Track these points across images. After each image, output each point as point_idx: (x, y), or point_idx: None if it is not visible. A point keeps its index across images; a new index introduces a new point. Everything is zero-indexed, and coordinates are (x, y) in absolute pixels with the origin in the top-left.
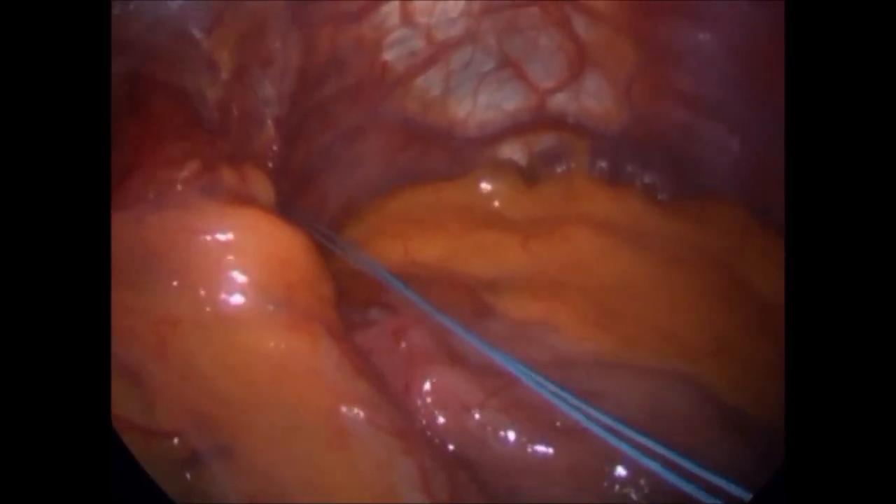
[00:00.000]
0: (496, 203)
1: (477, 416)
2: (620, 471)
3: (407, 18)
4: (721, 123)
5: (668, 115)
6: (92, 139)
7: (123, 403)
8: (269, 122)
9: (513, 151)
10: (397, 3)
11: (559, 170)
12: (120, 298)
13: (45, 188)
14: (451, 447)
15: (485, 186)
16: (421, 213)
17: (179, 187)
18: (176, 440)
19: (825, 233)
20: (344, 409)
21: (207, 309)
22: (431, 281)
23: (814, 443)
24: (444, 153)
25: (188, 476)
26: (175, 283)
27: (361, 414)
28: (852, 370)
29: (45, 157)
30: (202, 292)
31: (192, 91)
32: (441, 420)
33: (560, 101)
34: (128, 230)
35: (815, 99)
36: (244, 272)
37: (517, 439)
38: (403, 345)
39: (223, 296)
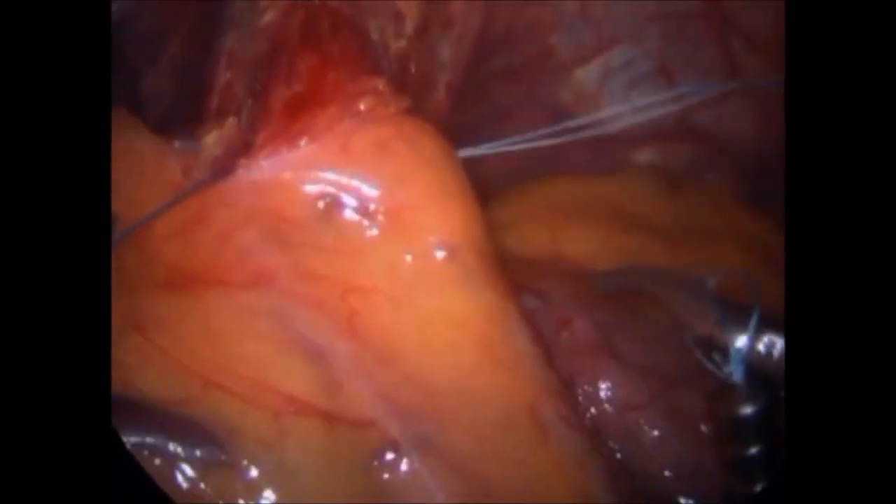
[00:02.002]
0: (641, 205)
1: (639, 416)
2: None
3: (584, 9)
4: None
5: None
6: (92, 133)
7: (301, 383)
8: (442, 86)
9: (654, 157)
10: None
11: (702, 183)
12: (305, 263)
13: (44, 184)
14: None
15: (632, 187)
16: (570, 203)
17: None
18: (370, 429)
19: (826, 229)
20: (545, 403)
21: (407, 272)
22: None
23: (814, 443)
24: (587, 148)
25: (378, 468)
26: (369, 238)
27: (559, 410)
28: (852, 370)
29: (45, 153)
30: (398, 253)
31: (377, 38)
32: (603, 416)
33: (704, 117)
34: (313, 173)
35: (816, 95)
36: (440, 232)
37: (674, 444)
38: (565, 335)
39: (424, 256)
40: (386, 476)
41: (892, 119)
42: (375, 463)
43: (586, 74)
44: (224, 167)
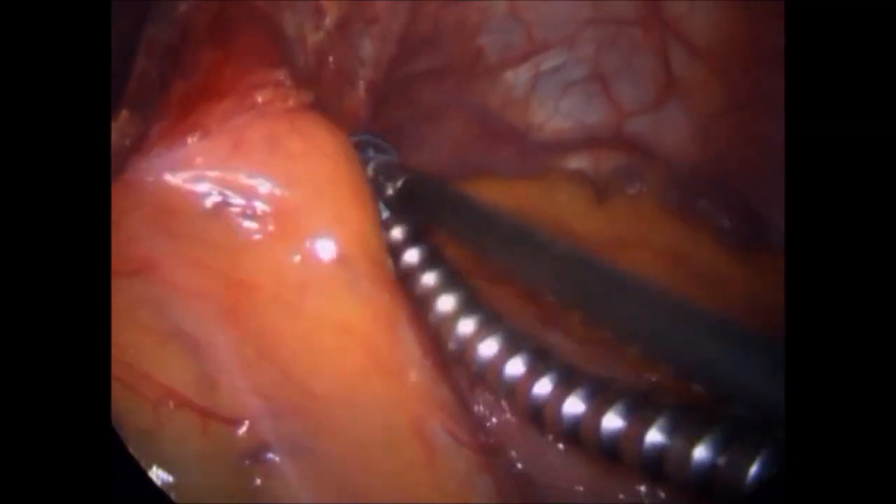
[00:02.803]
0: (566, 211)
1: None
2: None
3: (513, 11)
4: None
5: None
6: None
7: (178, 376)
8: (362, 83)
9: (584, 164)
10: None
11: (630, 191)
12: (186, 252)
13: (43, 179)
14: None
15: (558, 194)
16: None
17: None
18: (243, 428)
19: (826, 229)
20: (432, 417)
21: (294, 273)
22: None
23: (814, 443)
24: (515, 153)
25: (250, 469)
26: (257, 238)
27: (446, 425)
28: (853, 370)
29: (44, 149)
30: (286, 253)
31: (292, 32)
32: (504, 426)
33: (638, 125)
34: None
35: (816, 95)
36: (331, 234)
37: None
38: None
39: (313, 258)
40: (257, 479)
41: (892, 119)
42: (247, 463)
43: (515, 78)
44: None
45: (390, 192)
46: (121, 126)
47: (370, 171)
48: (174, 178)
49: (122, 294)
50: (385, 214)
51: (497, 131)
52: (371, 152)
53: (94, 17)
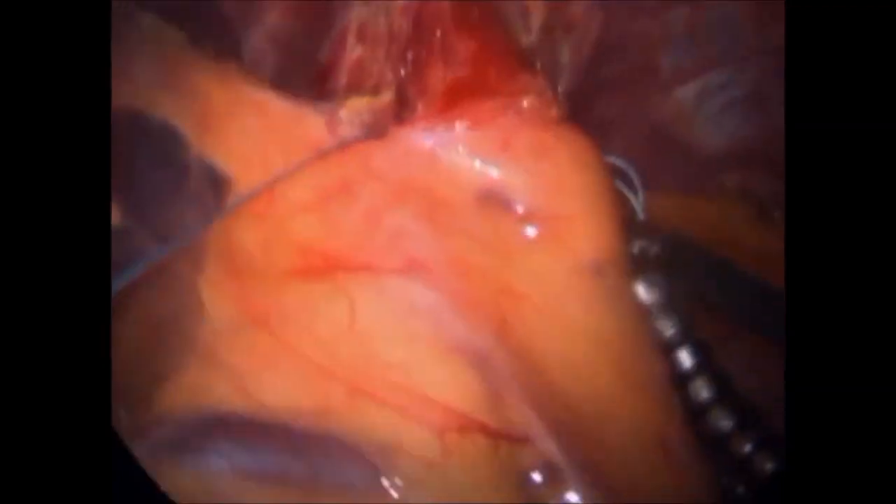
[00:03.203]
0: (741, 230)
1: None
2: None
3: (689, 27)
4: None
5: None
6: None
7: (464, 394)
8: (561, 90)
9: (745, 180)
10: (687, 9)
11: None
12: (460, 254)
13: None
14: None
15: (732, 213)
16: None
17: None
18: (529, 445)
19: (826, 229)
20: (674, 431)
21: (557, 281)
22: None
23: (814, 443)
24: (681, 168)
25: (535, 487)
26: (524, 241)
27: (684, 436)
28: (853, 370)
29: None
30: (551, 262)
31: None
32: None
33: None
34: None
35: (816, 94)
36: (593, 245)
37: None
38: None
39: (575, 267)
40: (541, 495)
41: (892, 119)
42: (533, 482)
43: (684, 93)
44: (377, 129)
45: (635, 249)
46: (362, 101)
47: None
48: (443, 160)
49: (391, 298)
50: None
51: (666, 146)
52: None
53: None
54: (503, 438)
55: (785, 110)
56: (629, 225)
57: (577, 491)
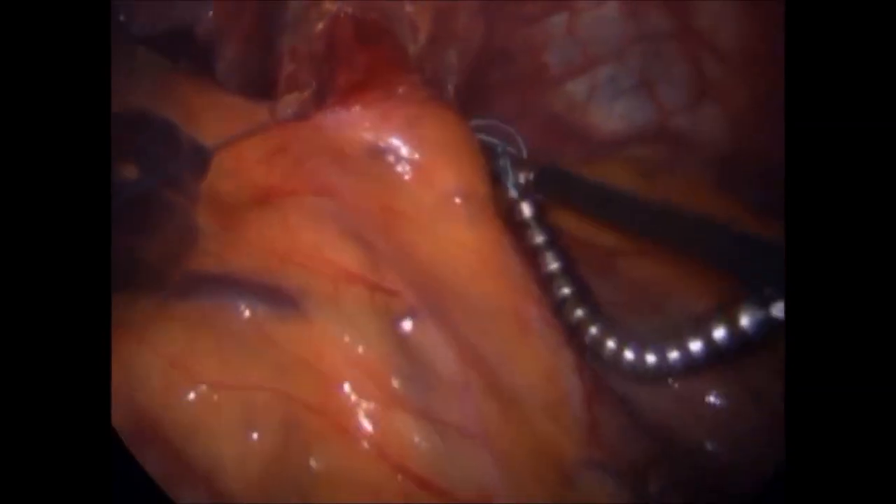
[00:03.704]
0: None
1: None
2: None
3: (571, 30)
4: None
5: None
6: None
7: (352, 260)
8: (451, 87)
9: (634, 154)
10: (566, 16)
11: (673, 172)
12: (357, 184)
13: (43, 178)
14: None
15: (616, 175)
16: None
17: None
18: (399, 297)
19: (826, 229)
20: (528, 306)
21: (429, 206)
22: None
23: (814, 443)
24: (580, 150)
25: (405, 327)
26: (404, 179)
27: (538, 312)
28: (853, 370)
29: (44, 146)
30: (424, 192)
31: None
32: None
33: (679, 121)
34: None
35: (816, 93)
36: (455, 181)
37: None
38: None
39: (442, 197)
40: (408, 331)
41: (892, 118)
42: (401, 322)
43: (575, 87)
44: (302, 113)
45: (521, 179)
46: (293, 97)
47: (502, 160)
48: (345, 130)
49: (309, 208)
50: (514, 194)
51: (564, 132)
52: (500, 144)
53: (95, 16)
54: (378, 289)
55: (785, 110)
56: (517, 162)
57: (431, 328)
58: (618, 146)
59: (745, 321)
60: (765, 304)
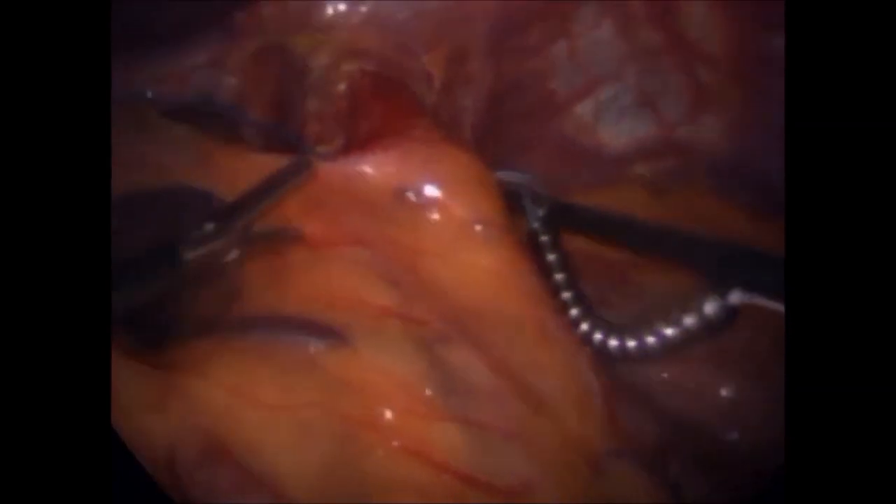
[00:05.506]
0: (634, 207)
1: None
2: None
3: (572, 55)
4: None
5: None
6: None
7: (385, 297)
8: (467, 127)
9: (644, 170)
10: (565, 42)
11: (679, 185)
12: (382, 230)
13: (44, 179)
14: None
15: (626, 196)
16: None
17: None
18: (429, 326)
19: (826, 229)
20: (546, 318)
21: (449, 238)
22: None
23: (814, 443)
24: (592, 169)
25: (437, 348)
26: (428, 214)
27: (555, 321)
28: (853, 370)
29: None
30: (446, 225)
31: (417, 94)
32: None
33: (681, 132)
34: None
35: (816, 93)
36: (474, 214)
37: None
38: None
39: (462, 229)
40: (441, 352)
41: (892, 118)
42: (433, 345)
43: (582, 109)
44: (330, 158)
45: (539, 213)
46: (321, 147)
47: (523, 198)
48: (373, 176)
49: (347, 257)
50: (535, 225)
51: (576, 154)
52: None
53: (95, 17)
54: (411, 320)
55: (785, 110)
56: (536, 198)
57: (467, 352)
58: (627, 163)
59: (708, 308)
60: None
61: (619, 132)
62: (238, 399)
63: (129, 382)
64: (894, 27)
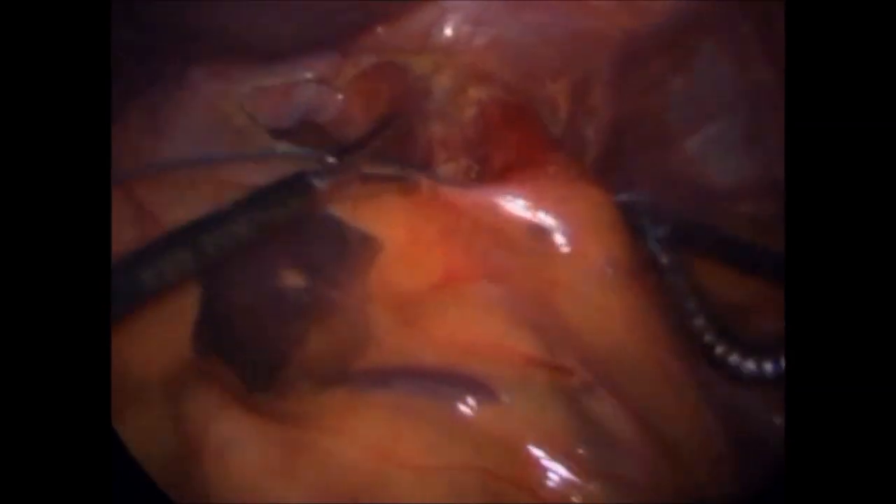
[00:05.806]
0: None
1: None
2: None
3: (687, 88)
4: None
5: None
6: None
7: (529, 343)
8: (591, 158)
9: (748, 208)
10: (683, 76)
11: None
12: (518, 265)
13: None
14: None
15: None
16: None
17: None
18: (574, 375)
19: (826, 229)
20: (672, 365)
21: (581, 274)
22: None
23: (814, 443)
24: (697, 205)
25: (584, 400)
26: (563, 253)
27: (678, 363)
28: (853, 370)
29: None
30: (578, 262)
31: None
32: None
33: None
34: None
35: (816, 93)
36: (605, 253)
37: None
38: None
39: (593, 266)
40: (587, 403)
41: (892, 118)
42: (580, 396)
43: (691, 144)
44: (460, 182)
45: (659, 234)
46: (449, 167)
47: (642, 219)
48: (506, 209)
49: (485, 297)
50: (655, 247)
51: (685, 188)
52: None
53: (95, 18)
54: (557, 370)
55: (785, 110)
56: (655, 219)
57: (606, 399)
58: (733, 201)
59: None
60: None
61: (725, 169)
62: (383, 459)
63: (246, 442)
64: (894, 27)
